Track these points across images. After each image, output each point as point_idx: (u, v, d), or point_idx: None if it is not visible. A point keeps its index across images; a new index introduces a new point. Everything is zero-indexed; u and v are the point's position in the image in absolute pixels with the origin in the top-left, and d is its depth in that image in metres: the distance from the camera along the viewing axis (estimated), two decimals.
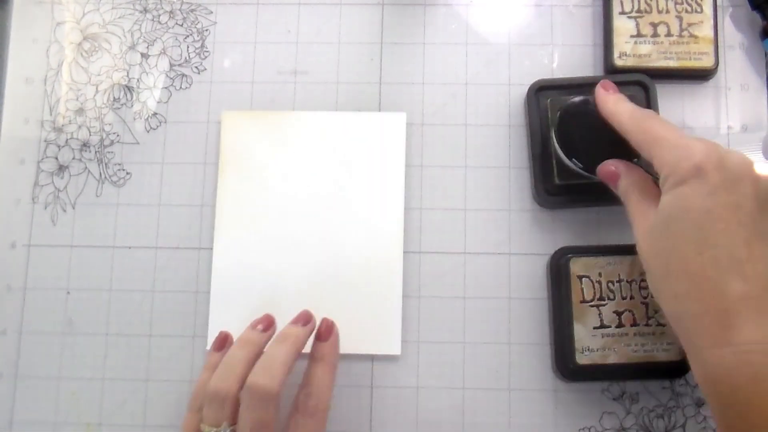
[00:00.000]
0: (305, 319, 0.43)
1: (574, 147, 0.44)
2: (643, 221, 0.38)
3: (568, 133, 0.44)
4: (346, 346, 0.45)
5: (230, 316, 0.46)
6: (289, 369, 0.40)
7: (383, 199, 0.47)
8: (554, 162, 0.45)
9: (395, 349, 0.46)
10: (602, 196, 0.46)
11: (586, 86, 0.47)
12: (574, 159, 0.44)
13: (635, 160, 0.42)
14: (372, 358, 0.46)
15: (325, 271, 0.47)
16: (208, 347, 0.46)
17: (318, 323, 0.43)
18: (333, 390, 0.42)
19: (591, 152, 0.43)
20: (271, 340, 0.42)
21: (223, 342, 0.44)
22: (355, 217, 0.47)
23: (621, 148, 0.41)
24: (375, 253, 0.47)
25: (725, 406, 0.32)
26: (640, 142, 0.38)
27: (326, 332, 0.43)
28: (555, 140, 0.44)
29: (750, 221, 0.33)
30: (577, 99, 0.44)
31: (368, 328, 0.46)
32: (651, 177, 0.40)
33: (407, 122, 0.49)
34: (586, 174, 0.44)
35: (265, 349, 0.41)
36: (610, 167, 0.42)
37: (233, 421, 0.39)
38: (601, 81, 0.43)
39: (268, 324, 0.43)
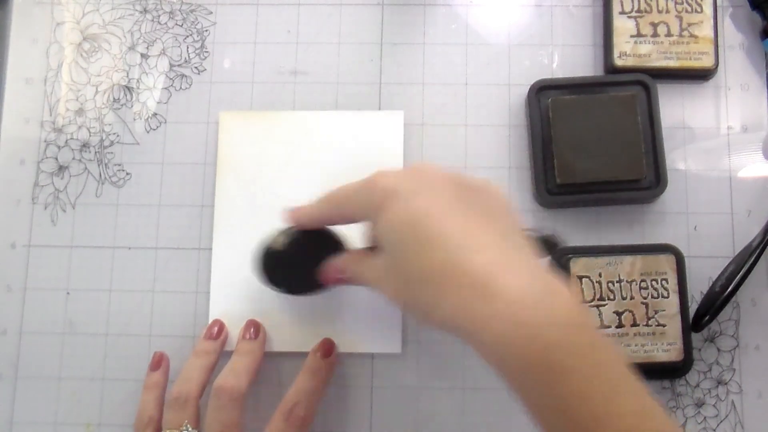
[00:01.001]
0: (255, 331, 0.45)
1: (293, 279, 0.43)
2: (379, 276, 0.37)
3: (280, 272, 0.42)
4: (347, 344, 0.45)
5: (230, 315, 0.46)
6: (253, 377, 0.42)
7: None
8: (555, 161, 0.45)
9: (395, 347, 0.46)
10: (603, 196, 0.46)
11: (586, 86, 0.47)
12: (298, 290, 0.43)
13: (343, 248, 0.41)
14: (372, 357, 0.46)
15: None
16: None
17: (317, 340, 0.45)
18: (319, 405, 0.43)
19: (310, 273, 0.42)
20: (234, 353, 0.44)
21: (159, 362, 0.45)
22: None
23: (328, 250, 0.41)
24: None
25: (517, 373, 0.31)
26: (334, 217, 0.39)
27: (329, 350, 0.44)
28: (270, 285, 0.43)
29: (455, 206, 0.33)
30: (269, 245, 0.42)
31: (368, 327, 0.46)
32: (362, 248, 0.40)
33: (407, 122, 0.49)
34: (314, 291, 0.42)
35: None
36: (331, 268, 0.40)
37: (195, 425, 0.41)
38: (287, 213, 0.41)
39: (219, 330, 0.45)
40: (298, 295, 0.44)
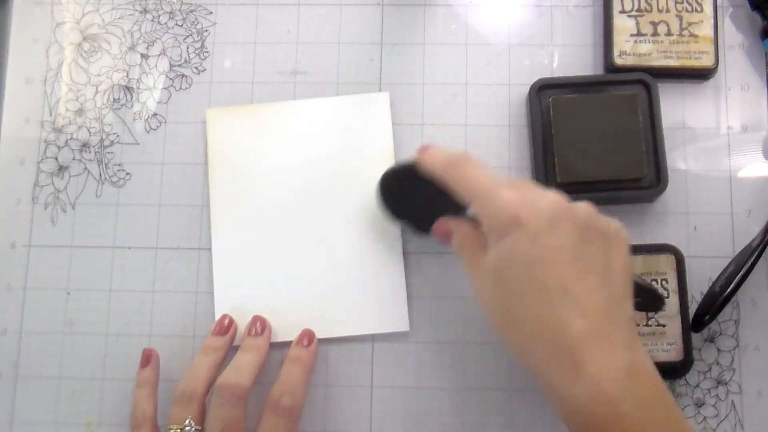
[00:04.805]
0: (261, 326, 0.45)
1: (403, 209, 0.44)
2: (477, 276, 0.38)
3: (395, 196, 0.44)
4: (353, 329, 0.46)
5: (235, 310, 0.46)
6: (256, 374, 0.42)
7: (375, 180, 0.47)
8: (556, 160, 0.45)
9: (403, 325, 0.46)
10: (603, 195, 0.46)
11: (587, 85, 0.47)
12: (405, 220, 0.44)
13: (468, 211, 0.41)
14: (372, 356, 0.46)
15: (324, 256, 0.47)
16: None
17: (298, 331, 0.46)
18: (306, 393, 0.43)
19: (421, 212, 0.43)
20: (239, 350, 0.44)
21: (149, 358, 0.45)
22: (349, 199, 0.47)
23: (450, 203, 0.40)
24: (373, 230, 0.47)
25: None
26: (459, 195, 0.38)
27: (309, 339, 0.45)
28: (380, 203, 0.44)
29: (576, 256, 0.34)
30: (399, 164, 0.43)
31: (373, 309, 0.46)
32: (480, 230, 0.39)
33: (407, 123, 0.49)
34: (420, 234, 0.44)
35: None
36: (442, 226, 0.42)
37: (199, 421, 0.41)
38: (420, 147, 0.41)
39: (228, 325, 0.45)
40: (405, 223, 0.44)
